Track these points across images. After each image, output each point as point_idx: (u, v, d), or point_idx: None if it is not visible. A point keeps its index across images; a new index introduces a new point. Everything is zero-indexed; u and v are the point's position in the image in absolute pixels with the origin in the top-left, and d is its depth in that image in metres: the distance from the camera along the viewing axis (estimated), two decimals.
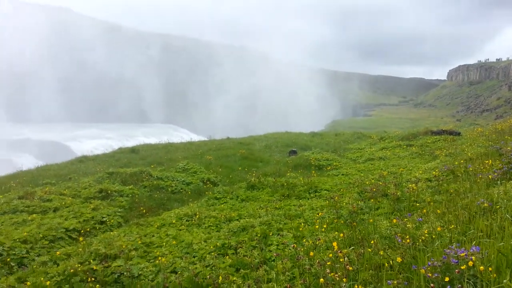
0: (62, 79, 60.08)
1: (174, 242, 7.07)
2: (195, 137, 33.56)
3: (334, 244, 4.47)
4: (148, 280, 5.64)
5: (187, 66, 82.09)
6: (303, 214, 8.20)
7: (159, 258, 6.16)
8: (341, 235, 5.48)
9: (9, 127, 45.97)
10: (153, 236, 7.57)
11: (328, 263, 4.16)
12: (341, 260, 4.19)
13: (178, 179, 12.87)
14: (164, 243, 7.10)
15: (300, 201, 9.74)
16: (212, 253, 6.42)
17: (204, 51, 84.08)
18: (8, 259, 6.74)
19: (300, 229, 6.98)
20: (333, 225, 6.63)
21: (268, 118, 72.94)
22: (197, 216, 8.63)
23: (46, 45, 59.62)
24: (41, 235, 7.81)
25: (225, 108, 75.47)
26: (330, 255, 4.44)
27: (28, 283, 5.60)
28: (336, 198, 8.52)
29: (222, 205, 9.93)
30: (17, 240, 7.43)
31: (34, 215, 9.29)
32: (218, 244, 6.72)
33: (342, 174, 12.69)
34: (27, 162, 25.00)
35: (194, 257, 6.42)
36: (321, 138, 24.19)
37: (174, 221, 8.46)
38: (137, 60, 75.54)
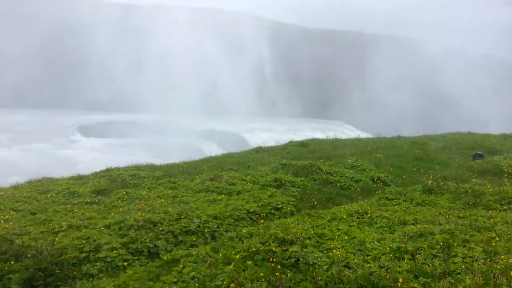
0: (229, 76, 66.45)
1: (346, 237, 7.11)
2: (361, 134, 32.81)
3: None
4: (323, 270, 5.81)
5: (353, 62, 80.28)
6: (495, 227, 7.15)
7: (333, 250, 6.29)
8: None
9: (200, 119, 53.59)
10: (324, 228, 7.76)
11: None
12: None
13: (347, 175, 12.85)
14: (335, 237, 7.20)
15: (490, 212, 8.52)
16: (387, 255, 6.20)
17: (370, 45, 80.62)
18: (206, 231, 7.94)
19: (493, 244, 6.11)
20: None
21: (447, 116, 65.60)
22: (369, 215, 8.46)
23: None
24: (228, 214, 8.91)
25: (395, 104, 71.09)
26: None
27: (220, 254, 6.46)
28: None
29: (394, 207, 9.48)
30: (210, 215, 8.66)
31: (222, 195, 10.67)
32: (393, 246, 6.46)
33: None
34: (212, 149, 28.74)
35: (367, 255, 6.33)
36: None
37: (344, 217, 8.49)
38: (296, 58, 77.77)
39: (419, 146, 18.41)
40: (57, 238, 7.21)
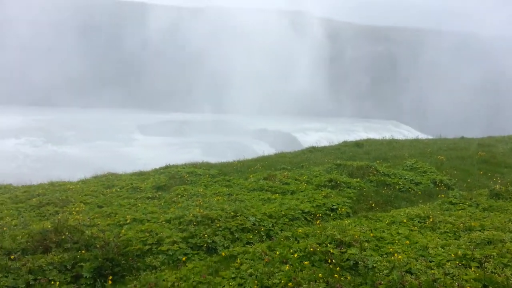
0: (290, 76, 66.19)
1: (407, 242, 6.85)
2: (420, 135, 31.41)
3: None
4: (383, 274, 5.65)
5: (410, 59, 76.74)
6: None
7: (395, 255, 6.09)
8: None
9: (252, 119, 54.19)
10: (383, 231, 7.54)
11: None
12: None
13: (406, 177, 12.35)
14: (395, 241, 6.97)
15: None
16: (452, 262, 5.91)
17: (428, 41, 76.52)
18: (261, 229, 8.02)
19: None
20: None
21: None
22: (431, 219, 8.08)
23: (286, 46, 66.84)
24: (282, 213, 8.92)
25: (455, 104, 67.21)
26: None
27: (277, 253, 6.50)
28: None
29: (459, 212, 8.97)
30: (265, 214, 8.73)
31: (276, 195, 10.70)
32: (458, 253, 6.13)
33: None
34: (264, 149, 28.94)
35: (430, 261, 6.06)
36: None
37: (404, 220, 8.18)
38: (350, 56, 75.73)
39: (485, 148, 17.27)
40: (122, 231, 7.63)
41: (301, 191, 10.98)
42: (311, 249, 6.42)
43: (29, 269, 6.12)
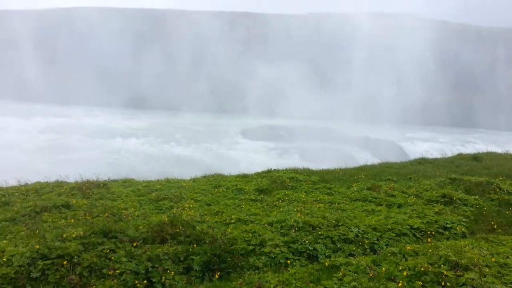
0: (399, 81, 62.57)
1: None
2: None
3: None
4: None
5: None
6: None
7: None
8: None
9: (353, 126, 52.69)
10: (507, 257, 6.67)
11: None
12: None
13: None
14: None
15: None
16: None
17: None
18: (366, 242, 7.73)
19: None
20: None
21: None
22: None
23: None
24: (388, 227, 8.47)
25: None
26: None
27: (383, 268, 6.19)
28: None
29: None
30: (369, 226, 8.38)
31: (380, 207, 10.22)
32: None
33: None
34: (366, 158, 27.86)
35: None
36: None
37: None
38: (465, 60, 68.36)
39: None
40: (228, 229, 8.03)
41: (409, 205, 10.31)
42: (422, 269, 5.98)
43: (148, 257, 6.79)
